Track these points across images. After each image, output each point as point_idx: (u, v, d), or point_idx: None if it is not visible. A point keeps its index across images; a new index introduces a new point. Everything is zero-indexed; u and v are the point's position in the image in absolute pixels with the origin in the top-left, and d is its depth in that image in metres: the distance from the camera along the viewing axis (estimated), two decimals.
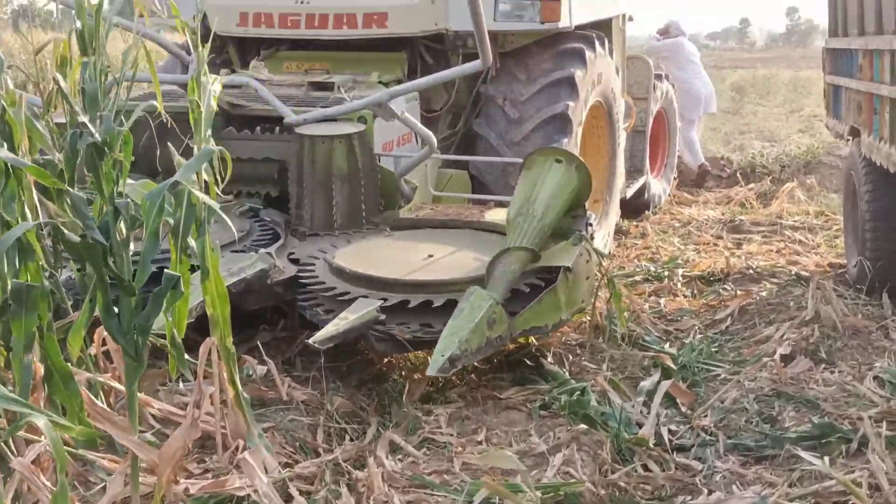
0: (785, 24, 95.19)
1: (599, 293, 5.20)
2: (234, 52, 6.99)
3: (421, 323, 4.29)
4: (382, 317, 4.22)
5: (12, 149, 2.90)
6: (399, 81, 6.42)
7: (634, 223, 8.68)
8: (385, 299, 4.33)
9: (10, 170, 2.97)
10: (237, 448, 3.48)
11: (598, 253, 4.89)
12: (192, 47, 3.53)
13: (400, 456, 3.72)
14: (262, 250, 4.65)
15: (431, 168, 6.08)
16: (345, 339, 4.10)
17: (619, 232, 8.27)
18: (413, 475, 3.50)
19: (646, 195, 9.00)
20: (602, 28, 7.30)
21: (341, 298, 4.39)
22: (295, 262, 4.80)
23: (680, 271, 6.76)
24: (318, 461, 3.60)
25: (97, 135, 2.83)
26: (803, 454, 3.65)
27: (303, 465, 3.55)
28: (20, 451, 2.99)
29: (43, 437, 2.98)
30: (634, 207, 8.84)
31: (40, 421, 2.53)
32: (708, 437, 3.97)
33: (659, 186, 9.50)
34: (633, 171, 8.79)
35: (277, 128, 5.38)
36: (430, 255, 4.76)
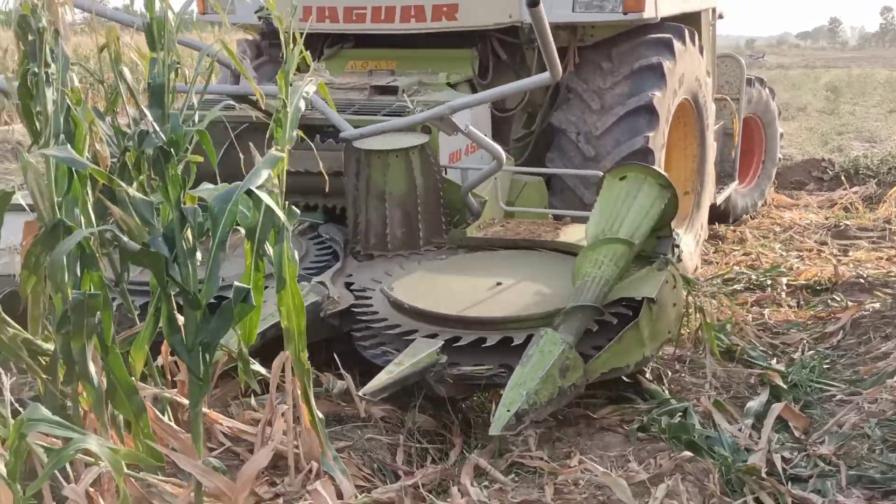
0: (878, 23, 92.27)
1: (700, 301, 4.82)
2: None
3: (477, 363, 3.85)
4: (444, 359, 3.79)
5: (76, 149, 2.68)
6: (469, 81, 6.15)
7: (732, 228, 8.24)
8: (443, 336, 3.91)
9: (74, 172, 2.78)
10: (311, 471, 3.24)
11: (687, 281, 4.39)
12: (283, 44, 3.27)
13: (486, 482, 3.43)
14: (315, 280, 4.34)
15: (502, 181, 5.65)
16: (401, 386, 3.70)
17: (715, 237, 7.87)
18: None
19: (724, 205, 8.38)
20: (691, 22, 6.86)
21: (398, 333, 4.02)
22: (352, 289, 4.46)
23: (784, 280, 6.35)
24: (397, 486, 3.33)
25: (162, 135, 2.60)
26: None
27: (380, 490, 3.29)
28: (79, 475, 2.79)
29: (101, 460, 2.79)
30: (715, 216, 8.23)
31: (92, 444, 2.31)
32: (827, 468, 3.58)
33: (748, 198, 8.99)
34: (724, 177, 8.30)
35: (331, 140, 5.06)
36: (498, 283, 4.32)
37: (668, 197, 4.30)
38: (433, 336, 3.91)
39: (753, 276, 6.49)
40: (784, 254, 7.27)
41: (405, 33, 6.12)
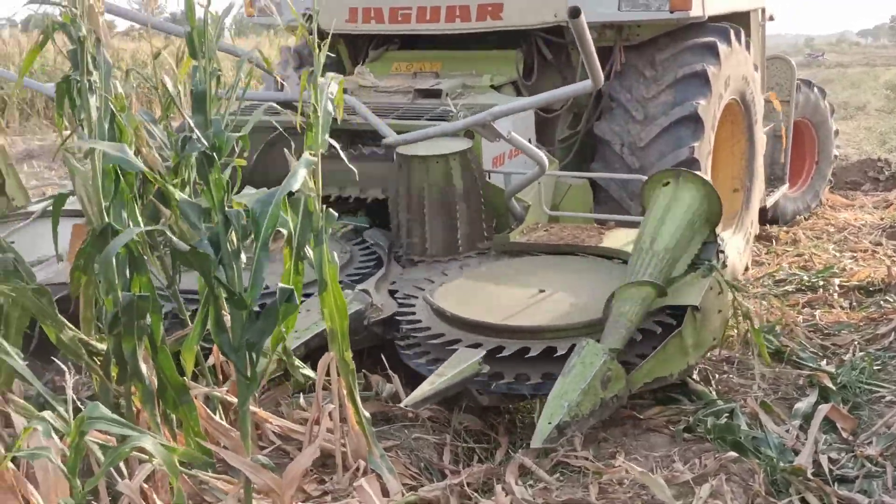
0: None
1: (751, 302, 4.80)
2: (344, 51, 6.77)
3: (520, 373, 3.87)
4: (486, 369, 3.82)
5: None
6: (514, 82, 6.17)
7: (785, 229, 8.16)
8: (486, 346, 3.92)
9: (121, 176, 2.88)
10: (358, 469, 3.30)
11: (731, 286, 4.32)
12: (312, 47, 3.34)
13: (531, 481, 3.46)
14: (358, 288, 4.37)
15: (546, 185, 5.55)
16: (443, 397, 3.74)
17: (768, 238, 7.80)
18: (544, 503, 3.24)
19: (772, 211, 8.27)
20: (739, 22, 6.78)
21: (441, 343, 4.04)
22: (395, 296, 4.49)
23: (836, 281, 6.27)
24: (443, 484, 3.37)
25: (204, 140, 2.69)
26: None
27: (427, 489, 3.34)
28: (132, 471, 2.89)
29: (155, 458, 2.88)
30: (763, 221, 8.10)
31: (147, 443, 2.40)
32: (874, 468, 3.55)
33: (799, 202, 8.82)
34: (773, 180, 8.18)
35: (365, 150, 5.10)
36: (541, 291, 4.32)
37: (710, 200, 4.25)
38: (476, 346, 3.92)
39: (805, 277, 6.42)
40: (837, 254, 7.18)
41: (450, 34, 6.14)
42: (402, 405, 3.65)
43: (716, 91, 5.97)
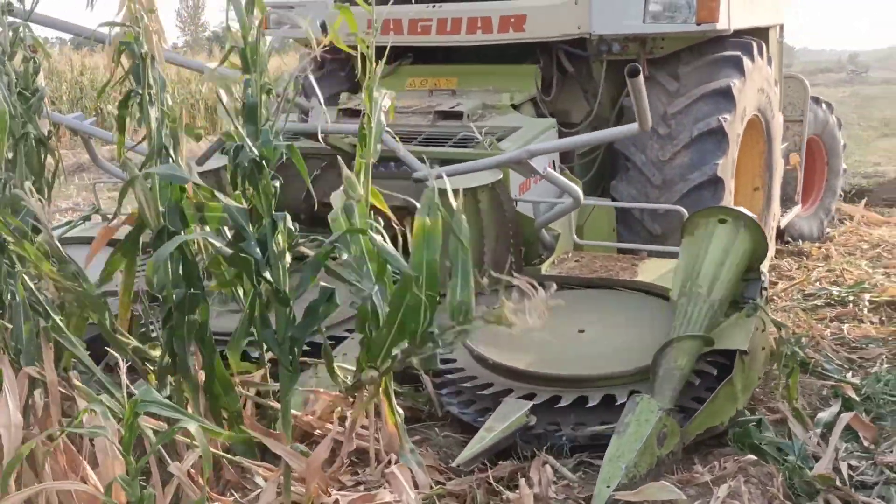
0: None
1: (778, 315, 4.85)
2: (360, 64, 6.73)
3: (577, 422, 3.85)
4: (533, 420, 3.81)
5: (176, 161, 3.00)
6: (532, 99, 6.05)
7: (817, 245, 8.21)
8: (534, 394, 3.92)
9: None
10: (390, 462, 3.47)
11: (776, 324, 4.29)
12: (365, 61, 3.41)
13: (554, 478, 3.61)
14: None
15: (575, 212, 5.27)
16: (493, 451, 3.71)
17: (799, 254, 7.86)
18: (566, 498, 3.39)
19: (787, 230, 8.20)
20: (760, 36, 6.66)
21: (488, 393, 4.04)
22: None
23: (866, 296, 6.30)
24: (470, 479, 3.54)
25: (254, 149, 2.89)
26: None
27: (455, 483, 3.51)
28: (182, 456, 3.09)
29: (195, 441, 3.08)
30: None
31: (192, 427, 2.59)
32: (892, 475, 3.65)
33: (808, 223, 8.72)
34: (786, 200, 8.08)
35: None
36: (582, 331, 4.28)
37: (752, 235, 4.22)
38: (529, 396, 3.90)
39: (835, 292, 6.46)
40: (870, 271, 7.21)
41: (467, 47, 5.99)
42: (453, 464, 3.63)
43: (733, 137, 5.79)
